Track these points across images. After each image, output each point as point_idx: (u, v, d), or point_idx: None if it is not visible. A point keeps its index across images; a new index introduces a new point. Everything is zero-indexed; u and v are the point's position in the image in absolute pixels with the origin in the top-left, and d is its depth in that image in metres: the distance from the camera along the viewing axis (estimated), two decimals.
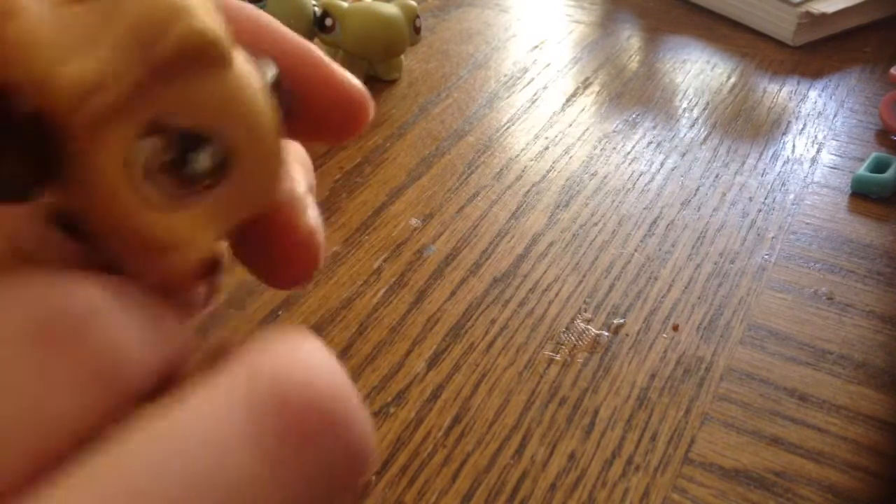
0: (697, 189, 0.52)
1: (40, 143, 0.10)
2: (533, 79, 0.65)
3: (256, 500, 0.10)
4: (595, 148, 0.56)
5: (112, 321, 0.10)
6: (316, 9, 0.60)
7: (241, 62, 0.11)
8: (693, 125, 0.59)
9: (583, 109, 0.61)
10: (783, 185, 0.52)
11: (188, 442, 0.10)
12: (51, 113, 0.10)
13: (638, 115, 0.60)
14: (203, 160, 0.11)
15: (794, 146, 0.56)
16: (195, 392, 0.10)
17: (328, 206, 0.50)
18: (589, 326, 0.41)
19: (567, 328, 0.41)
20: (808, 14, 0.68)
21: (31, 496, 0.09)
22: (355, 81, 0.15)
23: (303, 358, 0.11)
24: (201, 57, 0.10)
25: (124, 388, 0.10)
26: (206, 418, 0.10)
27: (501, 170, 0.53)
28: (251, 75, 0.12)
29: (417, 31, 0.62)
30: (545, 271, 0.45)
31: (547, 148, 0.56)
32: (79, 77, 0.10)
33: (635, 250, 0.46)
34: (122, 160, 0.11)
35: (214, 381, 0.11)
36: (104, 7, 0.10)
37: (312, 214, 0.15)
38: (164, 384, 0.11)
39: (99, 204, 0.11)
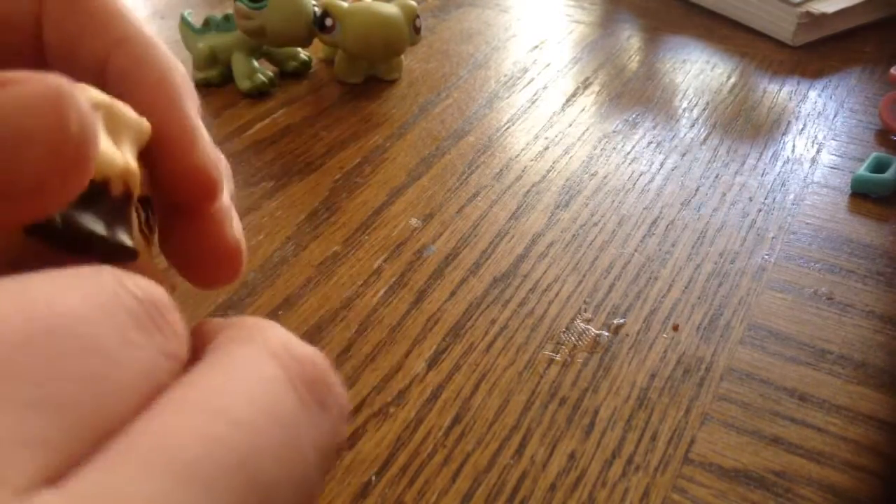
0: (697, 189, 0.52)
1: (136, 212, 0.15)
2: (533, 79, 0.65)
3: (299, 440, 0.12)
4: (595, 148, 0.56)
5: (176, 314, 0.13)
6: (316, 9, 0.60)
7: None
8: (693, 125, 0.59)
9: (583, 109, 0.61)
10: (783, 185, 0.52)
11: (244, 386, 0.12)
12: (129, 192, 0.14)
13: (638, 115, 0.60)
14: (151, 216, 0.17)
15: (794, 146, 0.56)
16: (227, 354, 0.13)
17: (328, 206, 0.50)
18: (589, 326, 0.41)
19: (567, 328, 0.41)
20: (808, 14, 0.68)
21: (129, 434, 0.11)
22: (208, 165, 0.17)
23: (287, 333, 0.14)
24: (148, 147, 0.16)
25: (178, 368, 0.12)
26: (249, 370, 0.12)
27: (501, 170, 0.53)
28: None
29: (417, 31, 0.62)
30: (545, 271, 0.45)
31: (547, 148, 0.56)
32: (135, 164, 0.14)
33: (635, 250, 0.46)
34: (135, 225, 0.15)
35: (237, 345, 0.13)
36: (105, 121, 0.14)
37: (236, 225, 0.18)
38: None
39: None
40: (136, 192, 0.15)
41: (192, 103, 0.17)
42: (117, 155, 0.14)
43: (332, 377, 0.14)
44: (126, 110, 0.15)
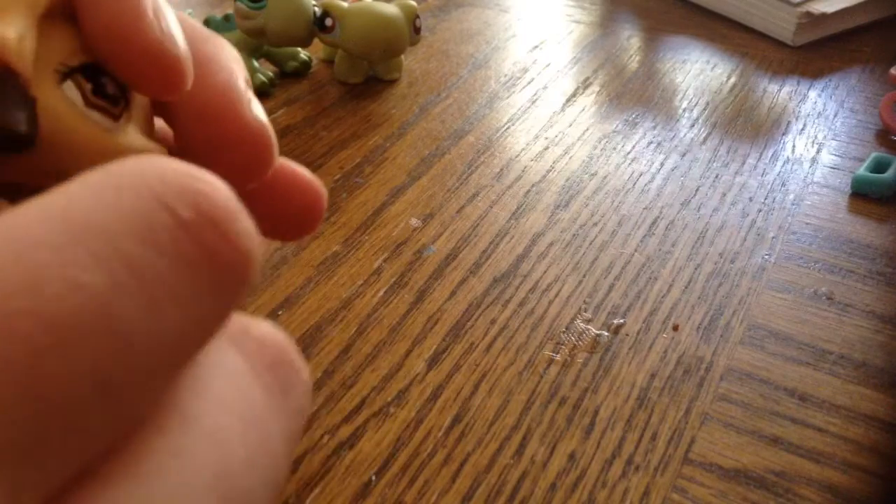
0: (697, 189, 0.52)
1: (24, 92, 0.12)
2: (533, 79, 0.65)
3: (269, 436, 0.11)
4: (595, 148, 0.56)
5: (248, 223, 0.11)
6: (316, 9, 0.60)
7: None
8: (693, 125, 0.59)
9: (583, 109, 0.61)
10: (783, 185, 0.52)
11: (214, 388, 0.11)
12: (9, 67, 0.12)
13: (638, 115, 0.60)
14: (111, 84, 0.14)
15: (794, 146, 0.56)
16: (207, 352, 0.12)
17: (328, 206, 0.50)
18: (589, 326, 0.41)
19: (567, 328, 0.41)
20: (808, 14, 0.68)
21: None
22: (159, 41, 0.14)
23: (257, 321, 0.13)
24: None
25: (236, 301, 0.11)
26: (215, 365, 0.11)
27: (501, 170, 0.53)
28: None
29: (417, 31, 0.62)
30: (545, 271, 0.45)
31: (547, 148, 0.56)
32: (15, 34, 0.12)
33: (635, 250, 0.46)
34: (65, 101, 0.13)
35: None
36: None
37: (256, 107, 0.15)
38: None
39: (66, 143, 0.13)
40: (22, 63, 0.12)
41: None
42: None
43: (294, 354, 0.13)
44: None
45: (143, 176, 0.10)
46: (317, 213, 0.17)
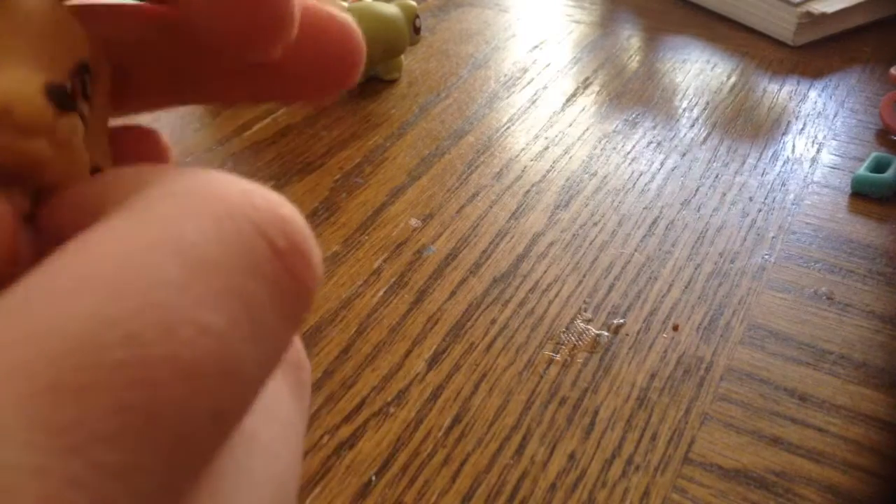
0: (697, 189, 0.52)
1: None
2: (533, 79, 0.65)
3: (296, 428, 0.12)
4: (595, 148, 0.56)
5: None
6: None
7: None
8: (693, 125, 0.59)
9: (583, 109, 0.61)
10: (783, 185, 0.52)
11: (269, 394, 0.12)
12: None
13: (638, 115, 0.60)
14: None
15: (794, 146, 0.56)
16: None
17: (328, 206, 0.50)
18: (589, 326, 0.41)
19: (567, 328, 0.41)
20: (808, 14, 0.68)
21: None
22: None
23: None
24: None
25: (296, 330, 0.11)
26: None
27: (501, 170, 0.53)
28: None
29: (417, 31, 0.62)
30: (545, 271, 0.45)
31: (547, 148, 0.56)
32: None
33: (635, 250, 0.46)
34: None
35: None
36: None
37: None
38: None
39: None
40: None
41: None
42: None
43: (304, 353, 0.13)
44: None
45: (236, 203, 0.09)
46: (353, 61, 0.14)
